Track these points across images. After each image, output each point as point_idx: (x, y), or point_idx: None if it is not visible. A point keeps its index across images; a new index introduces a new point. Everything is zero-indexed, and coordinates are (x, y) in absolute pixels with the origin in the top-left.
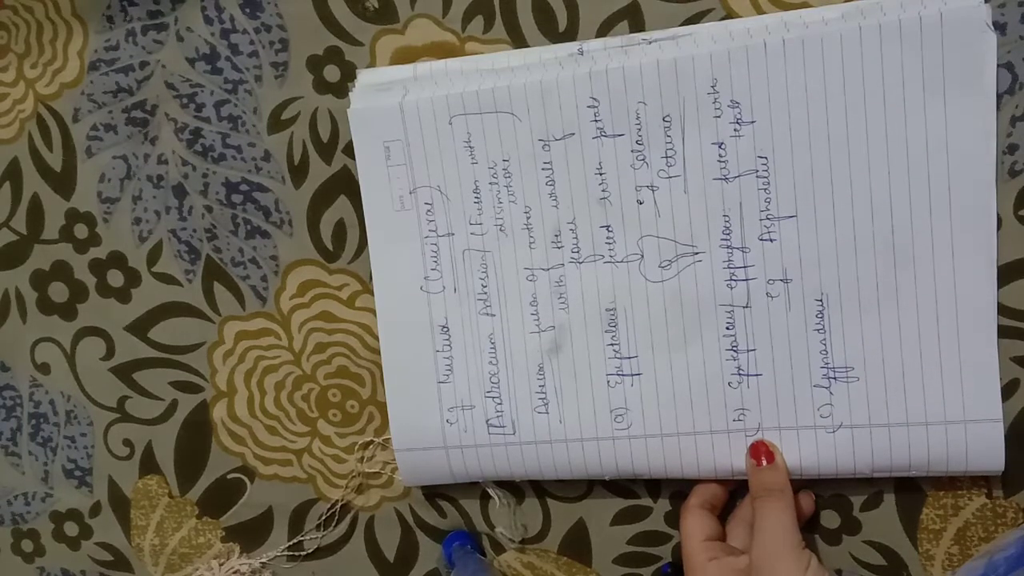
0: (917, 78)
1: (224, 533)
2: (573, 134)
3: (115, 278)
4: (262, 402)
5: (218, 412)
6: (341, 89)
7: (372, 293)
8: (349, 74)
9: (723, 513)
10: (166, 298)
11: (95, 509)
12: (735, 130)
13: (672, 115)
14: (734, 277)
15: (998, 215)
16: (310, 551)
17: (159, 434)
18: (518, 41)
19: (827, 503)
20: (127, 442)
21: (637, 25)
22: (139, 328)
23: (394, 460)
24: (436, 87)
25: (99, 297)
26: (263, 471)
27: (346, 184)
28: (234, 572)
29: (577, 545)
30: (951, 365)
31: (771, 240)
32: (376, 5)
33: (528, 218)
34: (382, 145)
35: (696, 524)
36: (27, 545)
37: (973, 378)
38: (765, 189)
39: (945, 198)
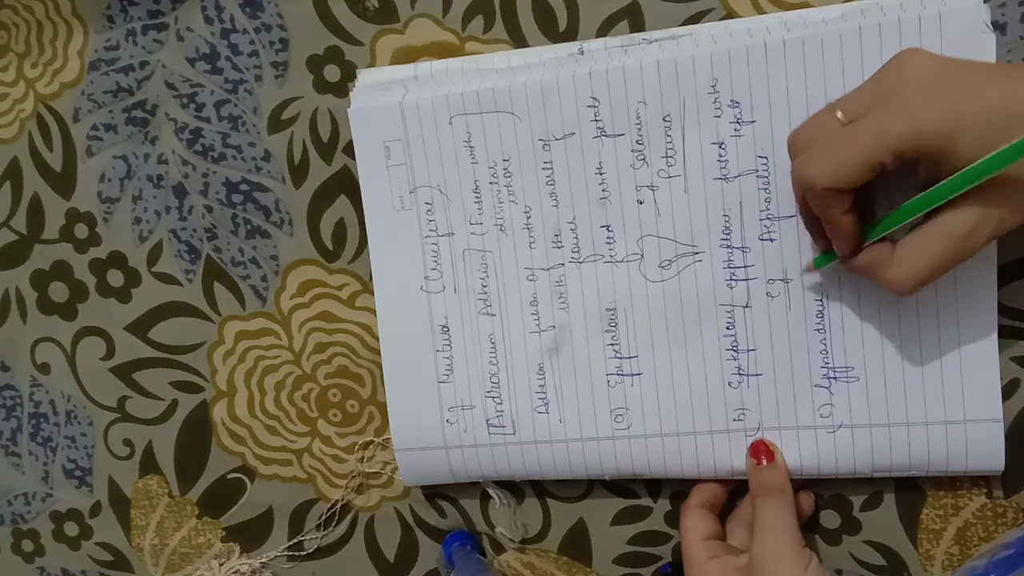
0: None
1: (224, 533)
2: (573, 134)
3: (115, 278)
4: (262, 402)
5: (218, 412)
6: (341, 89)
7: (372, 293)
8: (349, 74)
9: (723, 513)
10: (166, 298)
11: (95, 509)
12: (735, 130)
13: (672, 115)
14: (734, 277)
15: None
16: (310, 551)
17: (159, 434)
18: (518, 41)
19: (827, 503)
20: (127, 442)
21: (637, 25)
22: (139, 328)
23: (394, 460)
24: (436, 87)
25: (99, 297)
26: (263, 471)
27: (346, 184)
28: (234, 572)
29: (577, 545)
30: (951, 365)
31: (771, 240)
32: (376, 5)
33: (528, 218)
34: (382, 145)
35: (696, 523)
36: (27, 545)
37: (973, 378)
38: (765, 189)
39: None
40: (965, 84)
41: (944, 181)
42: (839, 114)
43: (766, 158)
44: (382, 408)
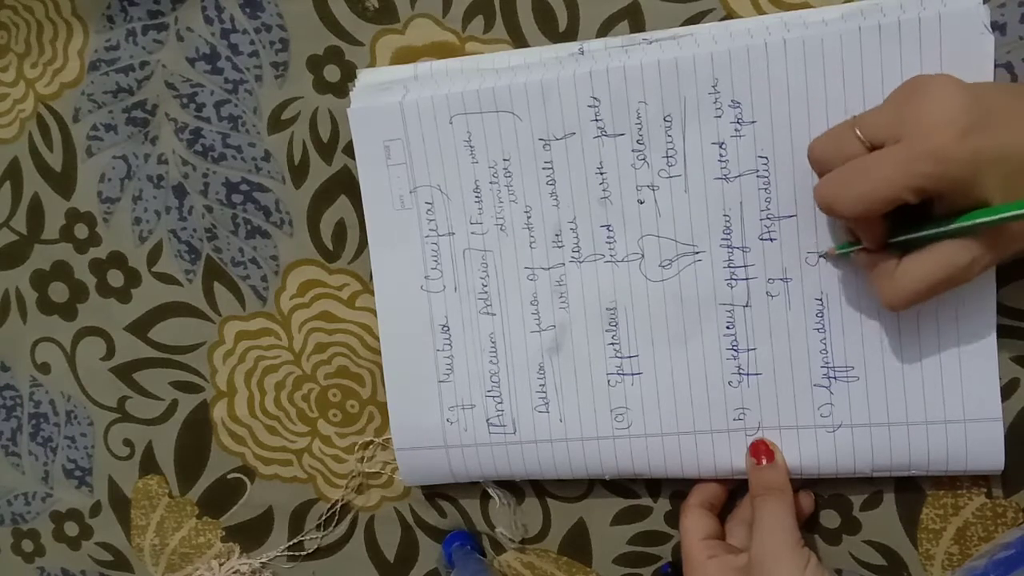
0: None
1: (224, 533)
2: (574, 133)
3: (115, 278)
4: (262, 402)
5: (218, 412)
6: (341, 89)
7: (372, 293)
8: (349, 74)
9: (723, 513)
10: (166, 298)
11: (95, 509)
12: (736, 130)
13: (673, 115)
14: (734, 276)
15: None
16: (310, 551)
17: (159, 434)
18: (518, 41)
19: (827, 503)
20: (127, 442)
21: (637, 25)
22: (139, 328)
23: (394, 460)
24: (436, 87)
25: (99, 297)
26: (263, 471)
27: (346, 184)
28: (234, 572)
29: (577, 545)
30: (951, 364)
31: (771, 239)
32: (376, 5)
33: (528, 217)
34: (382, 144)
35: (695, 523)
36: (27, 545)
37: (973, 377)
38: (765, 189)
39: None
40: (991, 127)
41: (968, 220)
42: (858, 132)
43: (766, 158)
44: (382, 408)
